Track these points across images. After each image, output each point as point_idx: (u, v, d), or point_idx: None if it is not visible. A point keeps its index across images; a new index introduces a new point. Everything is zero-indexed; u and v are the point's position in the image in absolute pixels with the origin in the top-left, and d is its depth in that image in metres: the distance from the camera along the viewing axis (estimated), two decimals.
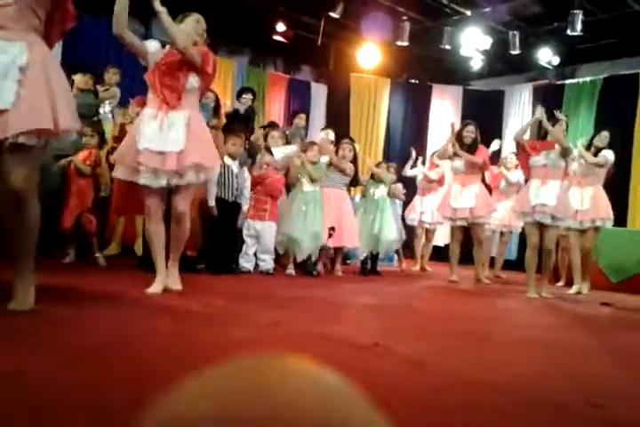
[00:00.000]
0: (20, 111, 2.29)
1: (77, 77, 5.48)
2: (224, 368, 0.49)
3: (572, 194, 5.83)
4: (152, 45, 3.60)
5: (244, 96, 6.71)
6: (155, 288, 3.40)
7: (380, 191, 6.53)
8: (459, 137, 6.21)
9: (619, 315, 4.72)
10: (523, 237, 8.66)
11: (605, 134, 6.05)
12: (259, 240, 5.42)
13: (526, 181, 5.78)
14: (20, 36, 2.37)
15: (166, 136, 3.37)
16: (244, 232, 5.39)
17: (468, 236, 6.38)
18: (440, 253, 9.50)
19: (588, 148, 6.02)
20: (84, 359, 1.71)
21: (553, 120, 5.45)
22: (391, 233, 6.43)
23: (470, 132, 6.18)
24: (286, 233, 5.55)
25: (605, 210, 6.03)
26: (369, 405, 0.48)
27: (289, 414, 0.43)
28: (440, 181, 7.75)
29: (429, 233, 7.89)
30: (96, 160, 4.84)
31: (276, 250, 5.63)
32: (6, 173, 2.35)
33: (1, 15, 2.35)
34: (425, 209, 7.70)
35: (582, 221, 6.00)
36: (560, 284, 6.93)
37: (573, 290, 6.04)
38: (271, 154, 5.54)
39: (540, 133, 5.46)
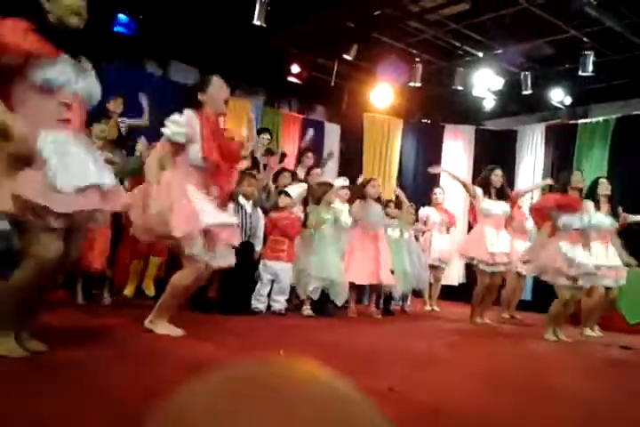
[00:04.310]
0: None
1: (100, 127, 4.99)
2: (234, 371, 0.50)
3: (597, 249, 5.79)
4: (182, 131, 3.37)
5: (262, 136, 6.81)
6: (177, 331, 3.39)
7: (394, 231, 6.48)
8: (486, 182, 6.17)
9: None
10: (537, 278, 8.57)
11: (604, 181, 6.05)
12: (275, 281, 5.39)
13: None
14: None
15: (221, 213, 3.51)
16: (261, 272, 5.36)
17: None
18: (454, 293, 9.40)
19: (593, 199, 5.90)
20: (99, 402, 1.68)
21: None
22: (403, 276, 6.32)
23: (499, 176, 6.15)
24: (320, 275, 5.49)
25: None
26: (374, 407, 0.49)
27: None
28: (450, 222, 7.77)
29: (437, 272, 7.73)
30: None
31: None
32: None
33: None
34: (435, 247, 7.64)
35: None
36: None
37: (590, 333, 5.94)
38: (288, 196, 5.55)
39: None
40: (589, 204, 5.64)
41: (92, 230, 4.60)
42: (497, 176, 6.14)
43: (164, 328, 3.36)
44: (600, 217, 5.77)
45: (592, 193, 5.83)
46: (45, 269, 2.31)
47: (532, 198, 7.51)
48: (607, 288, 5.91)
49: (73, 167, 2.32)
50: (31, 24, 2.26)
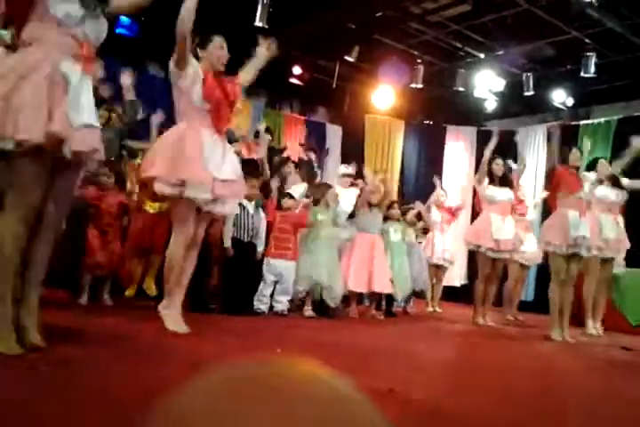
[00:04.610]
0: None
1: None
2: (234, 371, 0.50)
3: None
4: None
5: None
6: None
7: (396, 234, 6.44)
8: (488, 171, 6.21)
9: None
10: (540, 275, 8.54)
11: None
12: (278, 282, 5.34)
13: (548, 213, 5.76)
14: None
15: (223, 163, 3.50)
16: (264, 272, 5.32)
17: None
18: (456, 294, 9.39)
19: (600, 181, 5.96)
20: (99, 402, 1.68)
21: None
22: (404, 279, 6.29)
23: (500, 164, 6.20)
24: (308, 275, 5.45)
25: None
26: (374, 407, 0.50)
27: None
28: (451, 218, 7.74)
29: (440, 272, 7.69)
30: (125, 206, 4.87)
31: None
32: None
33: None
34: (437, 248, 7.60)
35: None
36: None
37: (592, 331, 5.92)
38: (291, 198, 5.56)
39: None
40: (588, 175, 5.66)
41: (108, 232, 4.64)
42: (498, 165, 6.21)
43: (173, 322, 3.42)
44: (603, 190, 5.82)
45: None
46: (26, 219, 2.30)
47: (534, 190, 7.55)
48: (605, 261, 5.95)
49: (82, 104, 2.37)
50: None
